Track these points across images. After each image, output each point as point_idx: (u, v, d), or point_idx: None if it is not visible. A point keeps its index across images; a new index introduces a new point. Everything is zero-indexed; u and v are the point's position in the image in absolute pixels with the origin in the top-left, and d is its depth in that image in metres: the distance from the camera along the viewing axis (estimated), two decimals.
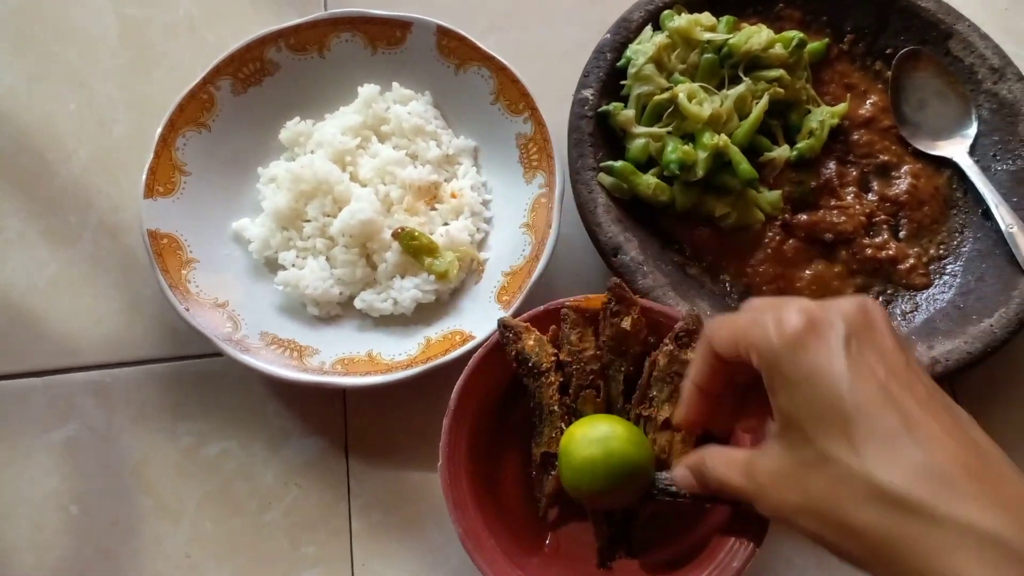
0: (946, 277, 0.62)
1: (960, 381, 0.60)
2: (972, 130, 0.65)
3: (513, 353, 0.53)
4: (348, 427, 0.59)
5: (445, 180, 0.64)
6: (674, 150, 0.60)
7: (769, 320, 0.37)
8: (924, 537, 0.31)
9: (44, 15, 0.73)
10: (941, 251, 0.63)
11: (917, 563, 0.31)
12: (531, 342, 0.53)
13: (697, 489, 0.44)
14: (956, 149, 0.65)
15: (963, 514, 0.31)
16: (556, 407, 0.52)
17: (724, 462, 0.42)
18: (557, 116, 0.63)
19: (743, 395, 0.44)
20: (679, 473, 0.46)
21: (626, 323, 0.53)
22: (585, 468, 0.47)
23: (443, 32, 0.64)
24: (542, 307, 0.55)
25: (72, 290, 0.63)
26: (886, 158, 0.66)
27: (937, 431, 0.33)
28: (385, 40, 0.65)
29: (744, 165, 0.60)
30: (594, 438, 0.48)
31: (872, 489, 0.33)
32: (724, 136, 0.61)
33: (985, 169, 0.64)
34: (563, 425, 0.52)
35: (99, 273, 0.64)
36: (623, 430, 0.48)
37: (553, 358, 0.53)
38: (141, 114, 0.69)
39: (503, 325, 0.53)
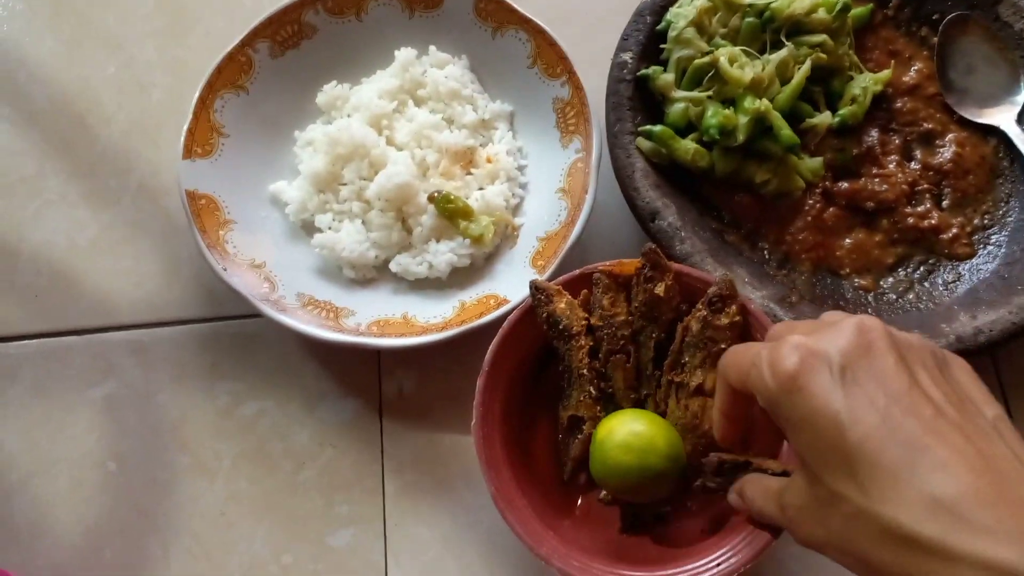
0: (990, 247, 0.61)
1: (1003, 352, 0.59)
2: (1021, 97, 0.63)
3: (544, 315, 0.52)
4: (382, 389, 0.59)
5: (481, 145, 0.64)
6: (714, 114, 0.59)
7: (764, 363, 0.36)
8: (934, 571, 0.30)
9: None
10: (986, 221, 0.62)
11: None
12: (562, 305, 0.53)
13: (745, 512, 0.44)
14: (1004, 117, 0.63)
15: (978, 549, 0.29)
16: (585, 371, 0.52)
17: (761, 493, 0.41)
18: (595, 81, 0.62)
19: None
20: (732, 499, 0.45)
21: (659, 289, 0.52)
22: (618, 471, 0.48)
23: None
24: (576, 271, 0.55)
25: (112, 251, 0.64)
26: (930, 126, 0.64)
27: (946, 456, 0.31)
28: (423, 3, 0.65)
29: (786, 130, 0.59)
30: (633, 446, 0.48)
31: (883, 529, 0.31)
32: (766, 101, 0.59)
33: None
34: (591, 389, 0.52)
35: (138, 235, 0.65)
36: (663, 441, 0.48)
37: (584, 322, 0.53)
38: (178, 78, 0.69)
39: (535, 287, 0.53)
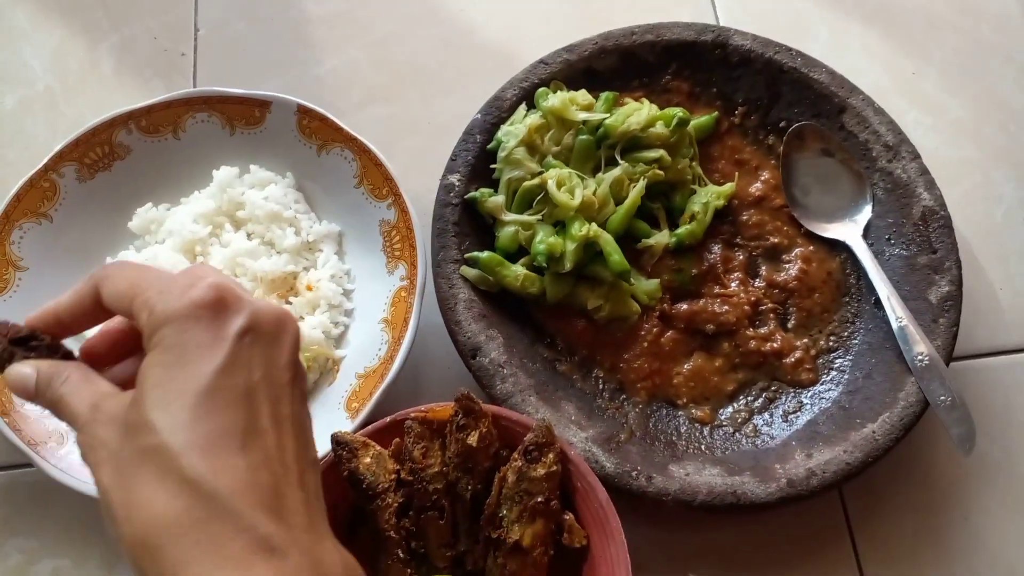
0: (834, 372, 0.58)
1: (846, 486, 0.56)
2: (867, 211, 0.61)
3: (346, 473, 0.49)
4: None
5: (304, 269, 0.60)
6: (542, 241, 0.57)
7: (180, 283, 0.35)
8: (211, 527, 0.30)
9: None
10: (831, 343, 0.59)
11: (204, 546, 0.30)
12: (368, 460, 0.49)
13: (22, 391, 0.38)
14: (849, 231, 0.61)
15: (257, 520, 0.31)
16: (392, 532, 0.48)
17: (86, 385, 0.36)
18: (434, 196, 0.60)
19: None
20: (15, 372, 0.38)
21: (472, 438, 0.49)
22: None
23: (304, 111, 0.61)
24: (388, 418, 0.51)
25: None
26: (776, 240, 0.62)
27: (268, 445, 0.33)
28: (243, 120, 0.62)
29: (615, 256, 0.57)
30: None
31: (182, 470, 0.31)
32: (595, 226, 0.57)
33: (879, 254, 0.60)
34: (399, 552, 0.48)
35: None
36: None
37: (393, 476, 0.49)
38: None
39: (336, 441, 0.49)
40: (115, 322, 0.40)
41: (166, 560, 0.30)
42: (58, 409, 0.36)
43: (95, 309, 0.38)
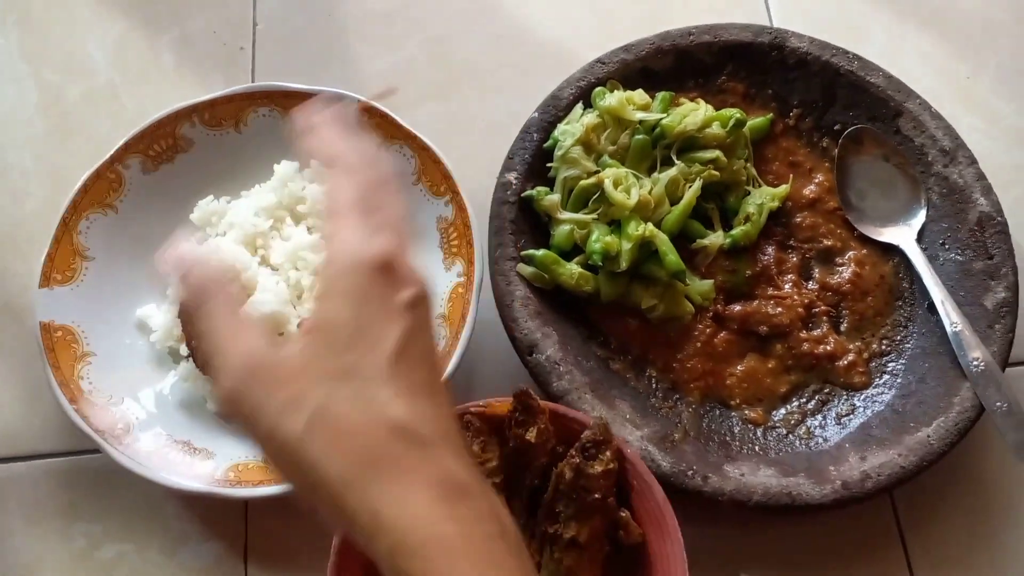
0: (886, 376, 0.58)
1: (898, 490, 0.57)
2: (921, 216, 0.61)
3: None
4: (248, 533, 0.56)
5: None
6: (597, 239, 0.57)
7: (358, 238, 0.35)
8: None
9: None
10: (884, 346, 0.59)
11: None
12: None
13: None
14: (904, 235, 0.61)
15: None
16: None
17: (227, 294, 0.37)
18: (489, 192, 0.60)
19: None
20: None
21: (531, 434, 0.50)
22: None
23: (365, 109, 0.61)
24: None
25: None
26: (830, 243, 0.62)
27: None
28: None
29: (671, 256, 0.57)
30: None
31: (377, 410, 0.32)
32: (651, 226, 0.57)
33: (933, 259, 0.60)
34: None
35: (0, 359, 0.61)
36: None
37: None
38: (55, 188, 0.66)
39: None
40: None
41: (363, 493, 0.31)
42: (202, 318, 0.36)
43: None
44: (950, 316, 0.57)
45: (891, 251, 0.62)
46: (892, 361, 0.59)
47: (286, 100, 0.62)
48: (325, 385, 0.33)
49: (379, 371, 0.33)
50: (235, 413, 0.34)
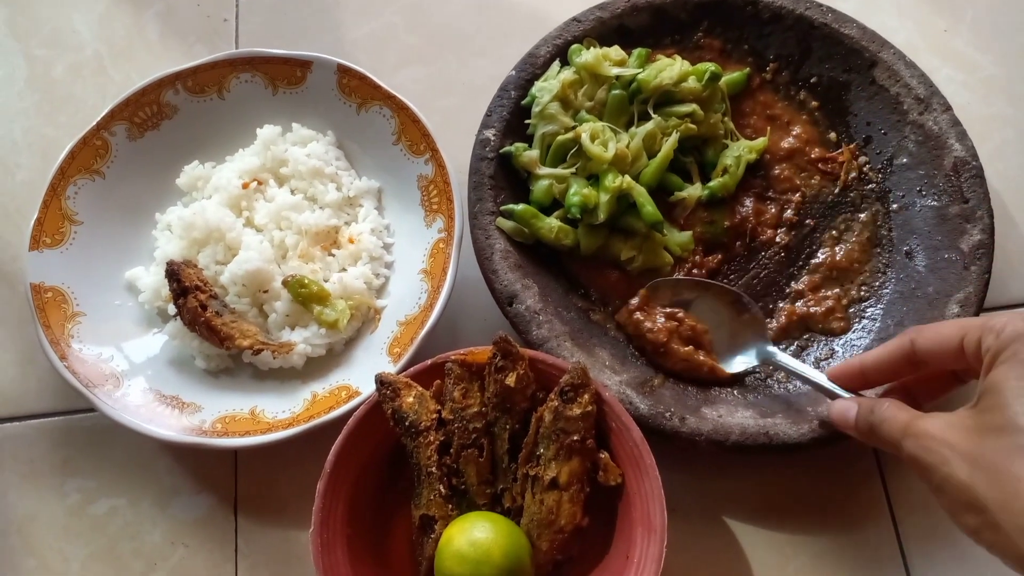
0: (865, 321, 0.59)
1: None
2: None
3: (390, 411, 0.51)
4: (238, 484, 0.57)
5: (346, 223, 0.62)
6: (575, 193, 0.58)
7: (1008, 316, 0.41)
8: None
9: None
10: (863, 293, 0.60)
11: None
12: (410, 399, 0.51)
13: (842, 422, 0.48)
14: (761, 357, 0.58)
15: None
16: (434, 468, 0.50)
17: (899, 407, 0.44)
18: (470, 153, 0.61)
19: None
20: (839, 407, 0.49)
21: (511, 379, 0.51)
22: None
23: (343, 71, 0.62)
24: (428, 361, 0.53)
25: None
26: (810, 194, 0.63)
27: None
28: (285, 80, 0.64)
29: (648, 207, 0.58)
30: (468, 557, 0.46)
31: None
32: (628, 178, 0.58)
33: (910, 205, 0.61)
34: (441, 487, 0.50)
35: None
36: (499, 552, 0.47)
37: (435, 416, 0.51)
38: (44, 158, 0.68)
39: (380, 381, 0.51)
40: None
41: None
42: (876, 432, 0.45)
43: (903, 361, 0.46)
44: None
45: (868, 200, 0.62)
46: (871, 307, 0.59)
47: (267, 66, 0.63)
48: (989, 442, 0.38)
49: None
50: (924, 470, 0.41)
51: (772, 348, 0.55)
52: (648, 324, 0.57)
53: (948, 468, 0.39)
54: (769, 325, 0.59)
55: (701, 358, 0.57)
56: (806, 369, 0.52)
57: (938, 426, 0.41)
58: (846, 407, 0.48)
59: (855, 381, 0.49)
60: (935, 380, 0.49)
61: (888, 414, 0.44)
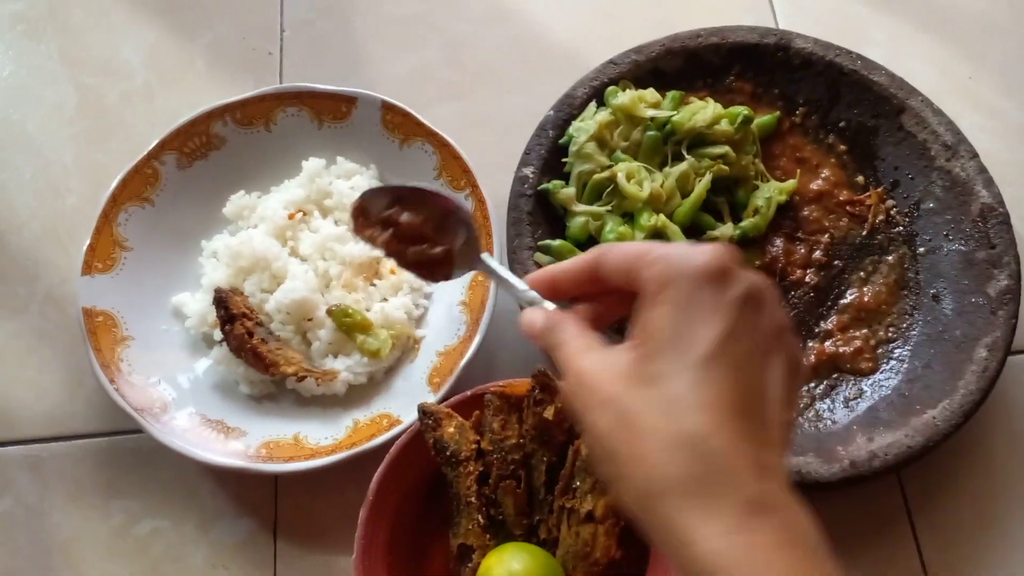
0: (893, 362, 0.60)
1: (905, 473, 0.58)
2: None
3: (432, 441, 0.52)
4: (278, 509, 0.59)
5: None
6: (611, 230, 0.60)
7: (686, 248, 0.36)
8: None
9: (3, 84, 0.75)
10: (890, 334, 0.61)
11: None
12: (451, 429, 0.52)
13: (528, 331, 0.42)
14: None
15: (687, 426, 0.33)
16: (473, 498, 0.52)
17: (581, 331, 0.40)
18: (504, 188, 0.63)
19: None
20: (528, 315, 0.43)
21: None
22: None
23: (387, 107, 0.64)
24: (469, 392, 0.54)
25: (16, 361, 0.64)
26: (838, 236, 0.64)
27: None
28: (331, 114, 0.66)
29: None
30: None
31: (676, 427, 0.33)
32: (663, 216, 0.60)
33: (937, 249, 0.62)
34: (480, 517, 0.52)
35: (44, 345, 0.65)
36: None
37: (474, 446, 0.53)
38: (94, 184, 0.69)
39: (422, 411, 0.52)
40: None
41: (664, 510, 0.32)
42: (554, 353, 0.40)
43: (589, 276, 0.41)
44: None
45: (896, 243, 0.64)
46: (898, 347, 0.61)
47: (314, 101, 0.66)
48: (632, 392, 0.34)
49: (685, 378, 0.33)
50: (575, 411, 0.37)
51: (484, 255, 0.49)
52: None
53: (592, 416, 0.36)
54: None
55: None
56: (507, 273, 0.46)
57: (595, 368, 0.37)
58: (533, 317, 0.42)
59: (547, 289, 0.43)
60: (623, 299, 0.41)
61: (563, 338, 0.39)
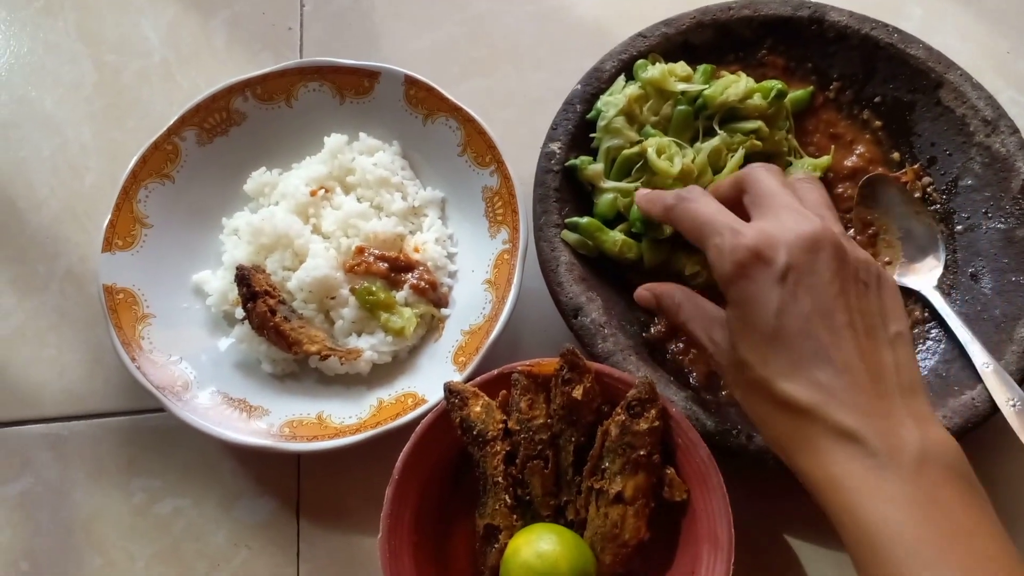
0: (930, 342, 0.59)
1: None
2: (940, 261, 0.60)
3: (458, 420, 0.51)
4: (301, 488, 0.58)
5: (411, 232, 0.63)
6: None
7: (726, 245, 0.43)
8: (806, 430, 0.42)
9: (21, 62, 0.74)
10: (927, 314, 0.60)
11: (802, 444, 0.42)
12: (478, 409, 0.51)
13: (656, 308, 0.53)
14: (923, 281, 0.60)
15: (834, 416, 0.40)
16: (500, 478, 0.51)
17: (699, 315, 0.49)
18: (529, 166, 0.61)
19: None
20: (641, 294, 0.53)
21: (577, 392, 0.51)
22: None
23: (411, 82, 0.63)
24: (496, 371, 0.53)
25: (37, 340, 0.63)
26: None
27: (844, 356, 0.41)
28: (353, 90, 0.64)
29: None
30: (535, 568, 0.47)
31: (774, 394, 0.42)
32: None
33: (975, 227, 0.60)
34: (507, 497, 0.51)
35: (64, 324, 0.64)
36: (566, 565, 0.47)
37: (501, 426, 0.51)
38: (113, 162, 0.69)
39: (449, 390, 0.51)
40: None
41: (785, 452, 0.43)
42: (687, 333, 0.50)
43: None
44: (978, 357, 0.55)
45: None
46: (935, 327, 0.59)
47: (336, 75, 0.64)
48: (752, 351, 0.43)
49: (757, 346, 0.43)
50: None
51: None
52: None
53: (733, 388, 0.46)
54: None
55: None
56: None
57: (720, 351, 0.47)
58: (644, 295, 0.53)
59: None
60: None
61: (690, 313, 0.50)
